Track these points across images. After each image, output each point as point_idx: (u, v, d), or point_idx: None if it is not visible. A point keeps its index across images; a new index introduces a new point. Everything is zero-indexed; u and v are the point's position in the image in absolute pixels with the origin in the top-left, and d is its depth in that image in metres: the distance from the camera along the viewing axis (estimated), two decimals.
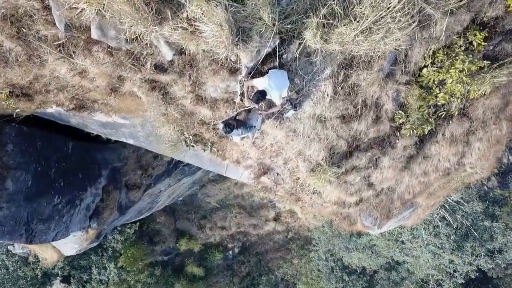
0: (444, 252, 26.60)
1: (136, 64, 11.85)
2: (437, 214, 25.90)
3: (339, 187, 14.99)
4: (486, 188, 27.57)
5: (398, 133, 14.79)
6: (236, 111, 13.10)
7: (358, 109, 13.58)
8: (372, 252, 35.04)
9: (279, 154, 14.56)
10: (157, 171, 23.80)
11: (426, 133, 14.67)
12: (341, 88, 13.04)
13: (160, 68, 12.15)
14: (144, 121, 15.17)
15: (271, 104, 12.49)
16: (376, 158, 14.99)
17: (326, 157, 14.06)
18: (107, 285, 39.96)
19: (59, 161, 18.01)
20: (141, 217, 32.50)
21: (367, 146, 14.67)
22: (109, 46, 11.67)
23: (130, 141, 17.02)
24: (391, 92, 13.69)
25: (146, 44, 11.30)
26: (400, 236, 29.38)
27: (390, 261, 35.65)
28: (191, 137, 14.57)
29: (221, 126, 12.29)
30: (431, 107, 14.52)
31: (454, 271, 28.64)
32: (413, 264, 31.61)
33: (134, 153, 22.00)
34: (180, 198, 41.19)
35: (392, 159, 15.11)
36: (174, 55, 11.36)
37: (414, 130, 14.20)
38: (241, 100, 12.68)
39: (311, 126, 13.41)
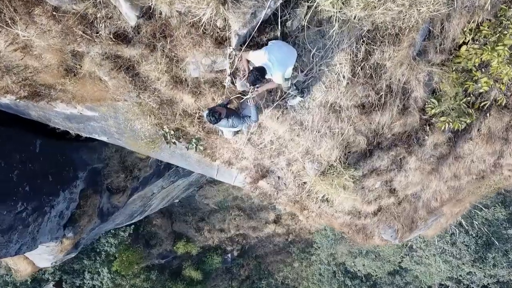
0: (463, 263, 23.21)
1: (89, 32, 8.41)
2: (454, 221, 22.52)
3: (355, 194, 11.60)
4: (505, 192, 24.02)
5: (427, 127, 11.40)
6: (226, 98, 9.70)
7: (381, 97, 10.18)
8: (378, 258, 31.63)
9: (281, 153, 11.16)
10: (145, 173, 20.41)
11: (463, 127, 11.20)
12: (361, 69, 9.65)
13: (122, 37, 8.67)
14: (116, 113, 11.79)
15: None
16: (400, 159, 11.60)
17: (340, 157, 10.66)
18: None
19: (24, 162, 14.65)
20: (133, 221, 29.19)
21: (391, 144, 11.27)
22: (54, 8, 8.27)
23: (103, 138, 13.65)
24: (422, 76, 10.27)
25: (100, 1, 7.88)
26: (409, 242, 26.03)
27: (398, 268, 32.23)
28: (172, 132, 11.17)
29: (205, 114, 8.87)
30: (471, 95, 11.10)
31: (471, 282, 25.27)
32: (423, 273, 28.25)
33: (117, 153, 18.63)
34: (177, 200, 37.80)
35: (419, 159, 11.72)
36: (138, 17, 7.95)
37: (450, 124, 10.76)
38: (232, 82, 9.26)
39: (322, 117, 10.01)
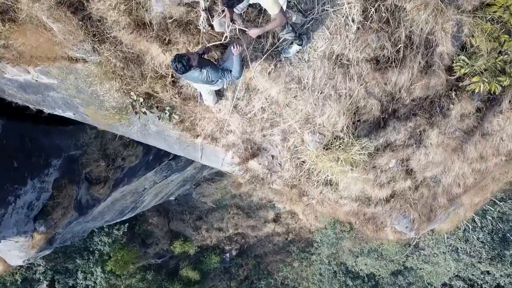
0: (479, 261, 20.68)
1: None
2: (472, 214, 19.93)
3: (364, 175, 9.18)
4: None
5: (453, 94, 8.98)
6: (203, 46, 7.28)
7: (399, 50, 7.78)
8: (381, 258, 29.04)
9: (275, 124, 8.73)
10: (130, 163, 17.96)
11: (500, 91, 8.74)
12: (375, 11, 7.28)
13: None
14: (77, 80, 9.39)
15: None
16: (420, 132, 9.17)
17: (347, 127, 8.25)
18: None
19: None
20: (124, 218, 26.73)
21: (409, 112, 8.85)
22: None
23: (69, 114, 11.27)
24: (449, 25, 7.88)
25: None
26: (416, 239, 23.51)
27: (402, 268, 29.66)
28: (141, 99, 8.76)
29: (171, 61, 6.41)
30: (508, 53, 8.66)
31: (485, 282, 22.74)
32: (430, 272, 25.69)
33: (96, 139, 16.22)
34: (172, 198, 35.38)
35: (442, 133, 9.29)
36: None
37: (486, 85, 8.32)
38: (209, 22, 6.85)
39: (325, 73, 7.60)
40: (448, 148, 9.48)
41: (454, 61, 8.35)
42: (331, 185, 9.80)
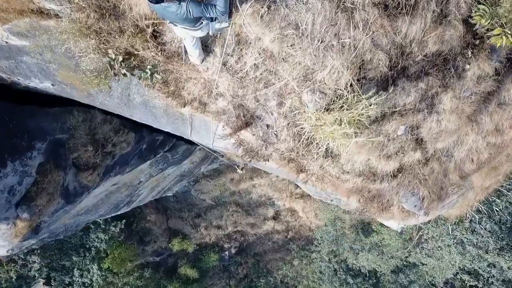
0: (487, 251, 19.36)
1: None
2: (482, 198, 18.58)
3: (370, 144, 8.03)
4: None
5: (469, 52, 7.84)
6: None
7: None
8: (383, 253, 27.79)
9: (270, 83, 7.59)
10: (121, 150, 16.80)
11: None
12: None
13: None
14: (49, 40, 8.30)
15: None
16: (432, 95, 8.02)
17: (351, 84, 7.11)
18: None
19: None
20: (119, 212, 25.56)
21: (421, 71, 7.69)
22: None
23: (46, 85, 10.17)
24: None
25: None
26: (419, 233, 22.22)
27: (404, 262, 28.38)
28: (120, 57, 7.64)
29: None
30: None
31: (491, 276, 21.39)
32: (434, 267, 24.40)
33: (84, 123, 15.08)
34: (170, 194, 34.24)
35: (457, 97, 8.14)
36: None
37: (509, 37, 7.18)
38: None
39: (327, 18, 6.45)
40: (462, 115, 8.34)
41: (473, 11, 7.22)
42: (332, 157, 8.66)
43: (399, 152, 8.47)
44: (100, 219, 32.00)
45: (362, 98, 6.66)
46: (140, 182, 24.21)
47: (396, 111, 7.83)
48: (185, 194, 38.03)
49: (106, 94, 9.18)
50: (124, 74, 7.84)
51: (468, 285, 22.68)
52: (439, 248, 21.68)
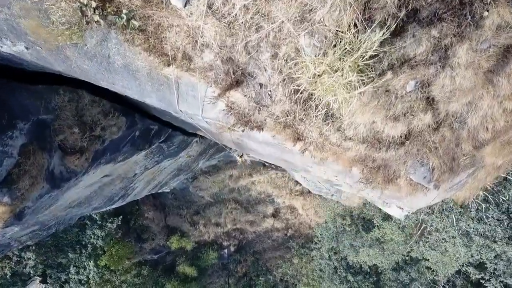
0: (495, 240, 18.08)
1: None
2: (492, 179, 17.37)
3: (375, 101, 6.96)
4: None
5: None
6: None
7: None
8: (384, 248, 26.61)
9: (261, 27, 6.54)
10: (112, 135, 15.74)
11: None
12: None
13: None
14: None
15: None
16: (446, 46, 6.95)
17: (355, 25, 6.05)
18: (88, 286, 31.98)
19: None
20: (114, 205, 24.49)
21: (433, 15, 6.62)
22: None
23: (19, 48, 9.10)
24: None
25: None
26: (423, 224, 21.04)
27: (406, 258, 27.19)
28: (93, 3, 6.60)
29: None
30: None
31: (496, 269, 20.09)
32: (438, 262, 23.20)
33: (71, 103, 14.04)
34: (167, 190, 33.15)
35: (473, 50, 7.06)
36: None
37: None
38: None
39: None
40: (479, 71, 7.26)
41: None
42: (332, 120, 7.59)
43: (407, 113, 7.39)
44: (97, 215, 31.01)
45: (366, 39, 5.58)
46: (135, 174, 23.18)
47: (405, 62, 6.76)
48: (183, 191, 37.00)
49: (84, 56, 8.13)
50: (98, 22, 6.83)
51: (473, 278, 21.43)
52: (443, 241, 20.52)
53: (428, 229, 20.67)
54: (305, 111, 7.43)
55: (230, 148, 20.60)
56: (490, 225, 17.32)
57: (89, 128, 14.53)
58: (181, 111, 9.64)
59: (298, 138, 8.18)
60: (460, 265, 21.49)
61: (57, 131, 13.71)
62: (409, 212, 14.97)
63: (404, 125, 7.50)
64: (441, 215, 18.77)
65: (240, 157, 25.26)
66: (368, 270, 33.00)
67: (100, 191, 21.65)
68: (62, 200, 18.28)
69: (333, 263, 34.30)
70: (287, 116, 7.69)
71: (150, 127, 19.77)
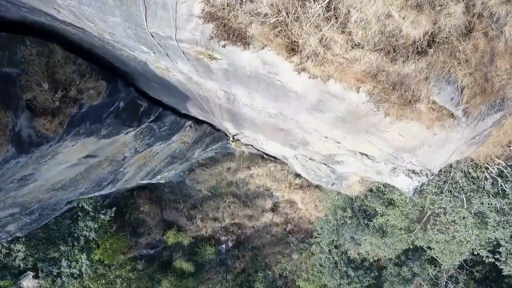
0: None
1: None
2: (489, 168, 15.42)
3: None
4: None
5: None
6: None
7: None
8: (387, 236, 24.42)
9: None
10: (90, 100, 13.81)
11: None
12: None
13: None
14: None
15: None
16: None
17: None
18: (81, 280, 29.94)
19: None
20: (103, 191, 22.53)
21: None
22: None
23: None
24: None
25: None
26: (431, 205, 18.93)
27: (411, 246, 25.01)
28: None
29: None
30: None
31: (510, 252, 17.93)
32: (444, 250, 20.86)
33: (41, 57, 12.12)
34: (163, 181, 31.20)
35: None
36: None
37: None
38: None
39: None
40: None
41: None
42: (336, 16, 5.63)
43: (434, 1, 5.44)
44: (89, 206, 29.04)
45: None
46: (125, 158, 21.23)
47: None
48: (180, 184, 35.09)
49: None
50: None
51: (486, 262, 19.14)
52: (452, 223, 18.41)
53: (436, 211, 18.58)
54: (301, 1, 5.48)
55: (226, 136, 18.65)
56: (509, 198, 15.22)
57: (62, 88, 12.60)
58: (152, 35, 7.70)
59: (293, 49, 6.23)
60: (469, 251, 19.32)
61: (24, 88, 11.84)
62: (418, 183, 13.02)
63: (429, 20, 5.53)
64: (451, 194, 16.72)
65: (233, 140, 23.32)
66: (369, 265, 30.99)
67: (86, 173, 19.69)
68: (42, 179, 16.39)
69: (333, 257, 32.38)
70: (278, 15, 5.75)
71: (138, 102, 17.89)
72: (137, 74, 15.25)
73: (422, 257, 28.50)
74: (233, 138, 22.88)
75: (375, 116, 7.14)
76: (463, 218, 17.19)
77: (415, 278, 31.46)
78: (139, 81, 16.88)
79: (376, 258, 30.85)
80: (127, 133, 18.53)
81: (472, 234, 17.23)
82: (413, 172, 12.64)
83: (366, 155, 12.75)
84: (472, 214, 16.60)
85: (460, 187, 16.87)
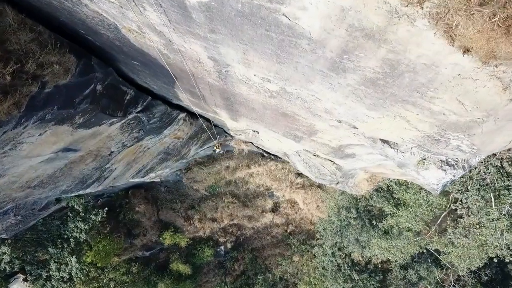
0: None
1: None
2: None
3: None
4: None
5: None
6: None
7: None
8: (398, 239, 21.43)
9: None
10: (56, 78, 10.93)
11: None
12: None
13: None
14: None
15: None
16: None
17: None
18: (72, 284, 26.93)
19: None
20: (88, 190, 19.64)
21: None
22: None
23: None
24: None
25: None
26: (453, 205, 16.00)
27: (424, 250, 22.01)
28: None
29: None
30: None
31: None
32: (463, 254, 17.74)
33: None
34: (157, 180, 28.27)
35: None
36: None
37: None
38: None
39: None
40: None
41: None
42: None
43: None
44: (79, 207, 26.01)
45: None
46: (111, 153, 18.36)
47: None
48: (176, 183, 32.25)
49: None
50: None
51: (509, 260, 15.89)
52: (477, 226, 15.41)
53: (459, 212, 15.60)
54: None
55: (225, 133, 15.71)
56: None
57: (16, 60, 9.71)
58: None
59: None
60: (494, 255, 16.25)
61: None
62: (454, 176, 10.08)
63: None
64: (478, 192, 13.76)
65: (218, 147, 22.29)
66: (374, 268, 28.01)
67: (67, 170, 16.81)
68: (10, 174, 13.53)
69: (336, 260, 29.49)
70: None
71: (122, 89, 15.03)
72: (115, 50, 12.39)
73: (429, 259, 25.58)
74: (218, 145, 21.84)
75: (431, 69, 4.30)
76: (493, 220, 14.23)
77: (421, 282, 28.54)
78: (120, 61, 14.03)
79: (380, 260, 27.91)
80: (111, 124, 15.69)
81: (503, 238, 14.25)
82: (447, 163, 9.75)
83: (388, 142, 9.86)
84: (507, 216, 13.63)
85: (487, 184, 13.95)
